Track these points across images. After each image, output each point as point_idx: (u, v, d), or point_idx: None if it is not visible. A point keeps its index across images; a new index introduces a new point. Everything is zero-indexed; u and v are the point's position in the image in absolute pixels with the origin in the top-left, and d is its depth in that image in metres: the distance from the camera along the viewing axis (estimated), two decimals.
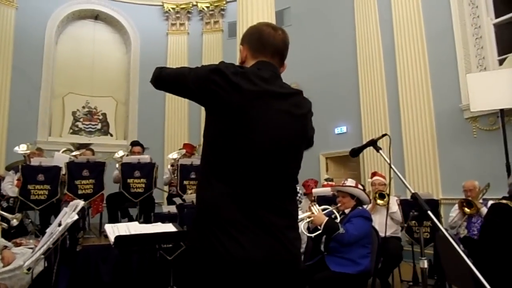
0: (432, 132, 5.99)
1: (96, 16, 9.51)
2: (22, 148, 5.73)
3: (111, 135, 9.43)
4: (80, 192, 4.81)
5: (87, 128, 9.20)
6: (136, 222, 3.29)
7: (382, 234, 3.39)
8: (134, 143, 6.15)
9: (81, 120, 9.19)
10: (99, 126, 9.34)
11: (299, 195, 4.51)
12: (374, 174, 5.16)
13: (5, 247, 3.25)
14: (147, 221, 4.80)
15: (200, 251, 1.26)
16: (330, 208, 3.48)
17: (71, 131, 9.01)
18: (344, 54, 7.51)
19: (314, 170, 7.43)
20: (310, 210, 3.33)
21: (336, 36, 7.75)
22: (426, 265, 2.02)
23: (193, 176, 5.21)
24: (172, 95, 1.49)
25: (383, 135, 2.00)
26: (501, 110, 4.86)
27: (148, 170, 5.18)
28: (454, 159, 5.69)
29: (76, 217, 2.80)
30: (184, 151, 6.14)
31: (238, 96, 1.28)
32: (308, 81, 7.35)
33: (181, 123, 9.33)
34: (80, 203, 2.99)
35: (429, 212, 1.58)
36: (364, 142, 1.93)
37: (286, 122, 1.35)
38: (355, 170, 7.38)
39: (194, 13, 9.95)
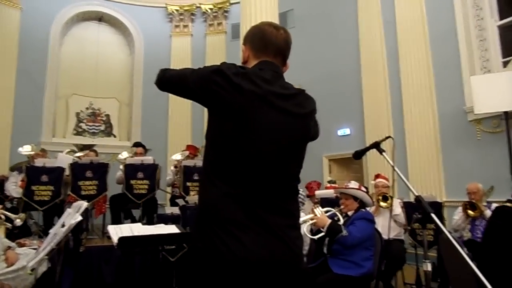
0: (436, 135, 5.97)
1: (100, 17, 9.57)
2: (26, 149, 5.76)
3: (115, 136, 9.47)
4: (83, 193, 4.83)
5: (90, 129, 9.24)
6: (139, 224, 3.29)
7: (385, 237, 3.39)
8: (136, 144, 6.16)
9: (85, 121, 9.23)
10: (102, 127, 9.38)
11: (301, 196, 4.50)
12: (377, 176, 5.14)
13: (9, 247, 3.26)
14: (150, 222, 4.82)
15: (202, 251, 1.26)
16: (333, 210, 3.47)
17: (74, 132, 9.07)
18: (347, 56, 7.49)
19: (317, 172, 7.41)
20: (313, 212, 3.32)
21: (339, 38, 7.73)
22: (429, 268, 2.02)
23: (196, 178, 5.21)
24: (176, 96, 1.50)
25: (387, 138, 2.00)
26: (505, 113, 4.84)
27: (151, 172, 5.20)
28: (457, 162, 5.66)
29: (80, 218, 2.82)
30: (187, 152, 6.13)
31: (239, 96, 1.29)
32: (311, 83, 7.32)
33: (184, 125, 9.33)
34: (84, 204, 3.01)
35: (433, 215, 1.58)
36: (367, 144, 1.93)
37: (287, 122, 1.35)
38: (358, 172, 7.35)
39: (198, 15, 9.98)
